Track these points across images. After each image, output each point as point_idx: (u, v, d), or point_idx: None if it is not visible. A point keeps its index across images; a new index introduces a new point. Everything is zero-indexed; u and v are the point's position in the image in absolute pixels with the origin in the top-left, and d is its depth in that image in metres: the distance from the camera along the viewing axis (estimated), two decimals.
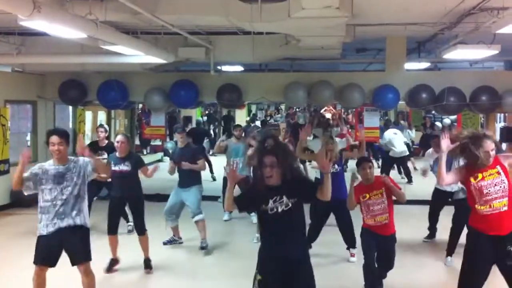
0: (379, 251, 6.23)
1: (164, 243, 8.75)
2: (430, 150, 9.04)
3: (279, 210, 4.42)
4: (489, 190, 4.78)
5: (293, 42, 9.92)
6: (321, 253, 7.94)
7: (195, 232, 8.62)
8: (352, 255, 7.91)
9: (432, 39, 11.07)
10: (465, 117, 17.70)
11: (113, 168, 7.37)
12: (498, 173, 4.81)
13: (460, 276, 5.00)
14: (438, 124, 22.33)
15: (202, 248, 8.41)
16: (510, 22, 6.74)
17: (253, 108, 32.82)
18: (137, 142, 19.91)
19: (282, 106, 30.58)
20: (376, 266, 6.23)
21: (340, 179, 7.74)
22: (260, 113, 33.92)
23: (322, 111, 26.35)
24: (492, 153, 4.80)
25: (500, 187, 4.78)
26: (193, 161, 8.35)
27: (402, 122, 18.22)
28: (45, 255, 5.40)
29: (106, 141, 9.52)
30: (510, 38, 8.43)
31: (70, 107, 13.86)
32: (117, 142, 7.48)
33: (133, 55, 8.99)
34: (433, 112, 17.22)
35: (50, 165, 5.48)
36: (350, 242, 7.95)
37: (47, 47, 9.85)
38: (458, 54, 9.42)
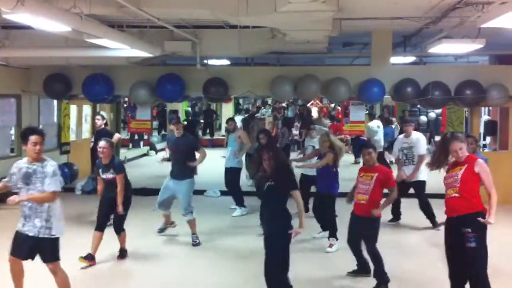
0: (358, 230, 6.73)
1: (159, 231, 8.88)
2: (401, 136, 9.93)
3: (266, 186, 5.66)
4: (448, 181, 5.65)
5: (279, 36, 9.91)
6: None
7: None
8: (330, 245, 8.19)
9: (418, 33, 11.12)
10: (449, 111, 17.84)
11: (101, 175, 7.57)
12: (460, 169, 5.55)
13: None
14: (423, 118, 22.54)
15: (194, 244, 8.44)
16: (494, 16, 6.76)
17: (241, 101, 32.78)
18: (124, 136, 19.88)
19: (269, 100, 30.50)
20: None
21: (327, 175, 8.19)
22: (248, 106, 33.83)
23: (308, 105, 26.42)
24: (461, 151, 5.50)
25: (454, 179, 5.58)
26: (190, 151, 8.59)
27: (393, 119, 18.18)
28: (17, 249, 5.53)
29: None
30: (495, 33, 8.50)
31: (55, 101, 13.74)
32: (100, 147, 7.53)
33: (119, 48, 8.91)
34: (418, 106, 17.34)
35: (24, 163, 5.52)
36: (330, 232, 8.31)
37: (32, 40, 9.73)
38: (443, 48, 9.48)
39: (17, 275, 5.61)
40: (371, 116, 14.62)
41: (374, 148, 7.06)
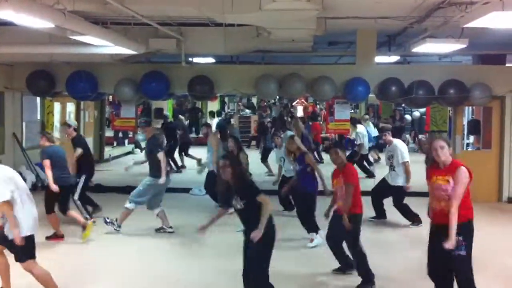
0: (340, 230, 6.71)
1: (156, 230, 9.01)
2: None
3: (237, 207, 5.51)
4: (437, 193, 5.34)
5: (264, 34, 9.92)
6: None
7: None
8: (311, 240, 8.32)
9: (402, 33, 11.18)
10: (433, 110, 18.00)
11: None
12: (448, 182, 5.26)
13: None
14: (408, 117, 22.71)
15: (106, 223, 8.77)
16: (477, 16, 6.83)
17: (226, 100, 32.70)
18: (108, 134, 19.76)
19: (254, 99, 30.50)
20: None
21: (301, 175, 8.44)
22: (233, 105, 33.77)
23: (294, 103, 26.52)
24: (442, 150, 5.26)
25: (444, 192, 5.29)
26: (150, 154, 8.90)
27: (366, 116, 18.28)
28: None
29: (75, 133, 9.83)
30: (478, 32, 8.58)
31: (38, 98, 13.63)
32: None
33: (103, 45, 8.87)
34: (402, 105, 17.45)
35: None
36: (308, 227, 8.44)
37: (15, 37, 9.63)
38: (427, 47, 9.56)
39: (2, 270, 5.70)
40: (355, 121, 14.71)
41: (343, 148, 7.28)
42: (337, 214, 6.80)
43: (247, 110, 27.09)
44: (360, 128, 14.57)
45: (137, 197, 8.74)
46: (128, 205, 8.76)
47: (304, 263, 7.55)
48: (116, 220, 8.77)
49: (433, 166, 5.44)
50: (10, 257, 5.74)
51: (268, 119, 20.73)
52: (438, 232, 5.29)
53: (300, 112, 24.19)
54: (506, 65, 13.21)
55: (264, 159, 15.29)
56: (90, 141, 15.93)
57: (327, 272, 7.05)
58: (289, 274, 6.88)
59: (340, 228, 6.66)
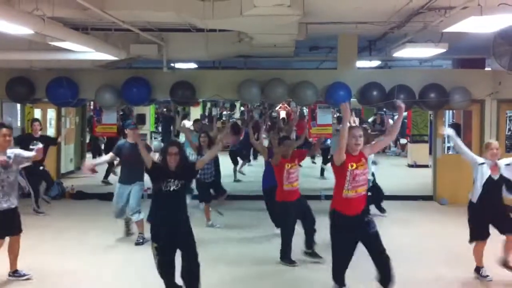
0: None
1: (136, 244, 8.56)
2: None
3: (171, 189, 5.68)
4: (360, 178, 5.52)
5: (246, 39, 9.92)
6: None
7: None
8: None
9: (383, 37, 11.27)
10: (415, 114, 18.14)
11: None
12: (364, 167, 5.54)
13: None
14: (391, 121, 22.82)
15: (137, 243, 8.48)
16: (456, 21, 6.90)
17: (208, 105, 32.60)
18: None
19: (237, 104, 30.51)
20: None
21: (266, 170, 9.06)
22: (215, 110, 33.70)
23: (277, 108, 26.57)
24: (360, 139, 5.47)
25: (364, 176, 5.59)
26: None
27: None
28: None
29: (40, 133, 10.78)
30: (458, 37, 8.68)
31: (19, 105, 13.48)
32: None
33: (83, 51, 8.80)
34: (384, 109, 17.53)
35: None
36: (276, 222, 8.89)
37: None
38: (407, 52, 9.64)
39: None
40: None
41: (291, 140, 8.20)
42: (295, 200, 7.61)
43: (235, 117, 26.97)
44: None
45: (139, 206, 8.57)
46: (135, 217, 8.57)
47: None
48: (140, 234, 8.58)
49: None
50: None
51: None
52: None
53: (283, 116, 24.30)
54: (486, 69, 13.35)
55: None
56: (71, 147, 15.86)
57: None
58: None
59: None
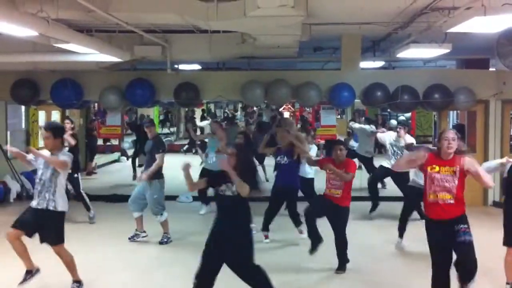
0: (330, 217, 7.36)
1: (129, 239, 8.78)
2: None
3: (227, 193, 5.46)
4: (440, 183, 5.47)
5: (249, 40, 9.93)
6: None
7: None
8: (301, 232, 8.61)
9: (386, 38, 11.26)
10: (419, 114, 18.15)
11: None
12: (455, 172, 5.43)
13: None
14: (393, 121, 22.81)
15: (161, 243, 8.61)
16: (460, 21, 6.90)
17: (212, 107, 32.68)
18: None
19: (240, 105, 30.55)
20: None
21: (290, 170, 8.55)
22: (219, 111, 33.77)
23: (280, 109, 26.55)
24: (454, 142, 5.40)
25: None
26: (152, 154, 8.67)
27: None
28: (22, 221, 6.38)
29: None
30: (461, 37, 8.67)
31: (23, 107, 13.52)
32: None
33: (87, 53, 8.83)
34: (388, 110, 17.54)
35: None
36: (297, 223, 8.72)
37: None
38: (411, 53, 9.63)
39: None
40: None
41: (346, 145, 7.68)
42: (324, 198, 7.36)
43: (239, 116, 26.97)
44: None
45: (159, 205, 8.61)
46: (159, 218, 8.65)
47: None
48: (165, 233, 8.73)
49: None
50: None
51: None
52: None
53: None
54: (490, 69, 13.33)
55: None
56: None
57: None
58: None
59: (333, 218, 7.26)
